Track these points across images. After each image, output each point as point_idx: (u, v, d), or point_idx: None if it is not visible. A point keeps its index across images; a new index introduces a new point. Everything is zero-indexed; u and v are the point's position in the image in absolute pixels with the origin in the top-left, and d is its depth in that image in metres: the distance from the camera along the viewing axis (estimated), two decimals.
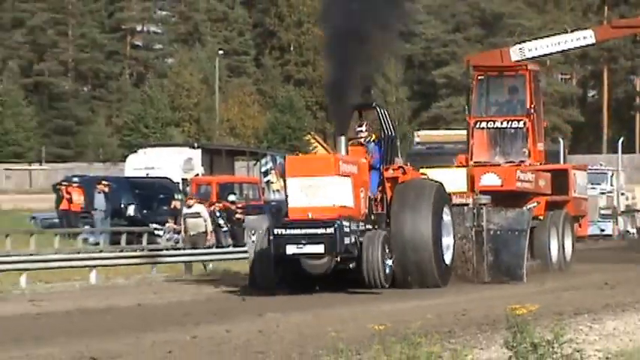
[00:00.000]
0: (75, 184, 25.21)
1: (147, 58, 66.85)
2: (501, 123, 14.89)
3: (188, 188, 25.05)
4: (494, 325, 6.87)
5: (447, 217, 12.21)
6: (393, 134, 12.78)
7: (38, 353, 6.91)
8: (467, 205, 12.69)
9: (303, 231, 11.04)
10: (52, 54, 62.19)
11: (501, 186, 13.49)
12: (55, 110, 61.47)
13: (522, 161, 14.62)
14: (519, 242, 12.22)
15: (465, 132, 14.48)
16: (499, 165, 14.42)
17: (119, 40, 66.05)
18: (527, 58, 15.41)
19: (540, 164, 15.02)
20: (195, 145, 32.02)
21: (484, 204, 12.73)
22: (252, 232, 12.32)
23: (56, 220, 25.02)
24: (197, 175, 27.59)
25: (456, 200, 12.70)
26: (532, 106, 14.72)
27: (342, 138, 12.01)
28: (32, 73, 62.51)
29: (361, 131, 12.57)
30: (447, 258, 12.17)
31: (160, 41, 65.21)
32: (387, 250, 11.31)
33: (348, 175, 11.46)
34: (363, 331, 6.04)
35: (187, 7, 66.34)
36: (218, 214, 21.07)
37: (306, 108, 58.37)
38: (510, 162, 14.56)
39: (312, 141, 53.97)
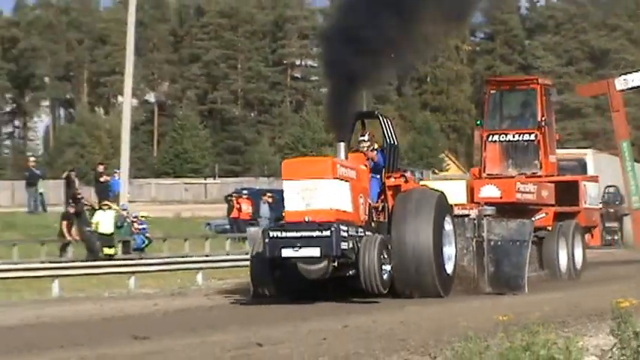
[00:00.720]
0: (244, 196, 28.30)
1: (305, 88, 73.80)
2: (513, 136, 14.73)
3: None
4: (602, 317, 7.11)
5: (448, 226, 11.75)
6: (396, 143, 12.30)
7: (212, 340, 7.40)
8: (468, 215, 12.34)
9: (299, 234, 10.44)
10: (224, 84, 70.00)
11: (500, 198, 13.19)
12: (227, 132, 68.90)
13: (534, 173, 14.52)
14: (521, 253, 11.81)
15: (576, 150, 15.24)
16: (512, 177, 14.30)
17: (281, 73, 73.25)
18: (630, 88, 18.17)
19: (552, 175, 14.87)
20: None
21: (488, 215, 12.36)
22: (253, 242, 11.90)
23: (227, 227, 27.73)
24: None
25: (458, 211, 12.36)
26: (543, 119, 14.47)
27: (342, 144, 11.65)
28: (207, 101, 70.42)
29: (364, 140, 12.14)
30: (449, 268, 11.67)
31: (316, 74, 70.73)
32: (385, 256, 10.71)
33: (347, 180, 10.95)
34: (489, 321, 6.24)
35: None
36: None
37: (441, 130, 66.78)
38: (522, 174, 14.40)
39: (446, 159, 62.61)
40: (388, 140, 12.03)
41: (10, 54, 67.01)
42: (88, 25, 69.60)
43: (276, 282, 11.09)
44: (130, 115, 27.77)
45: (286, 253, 10.40)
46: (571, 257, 14.37)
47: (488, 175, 14.53)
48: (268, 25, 72.59)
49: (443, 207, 11.69)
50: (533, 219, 12.49)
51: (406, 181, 12.01)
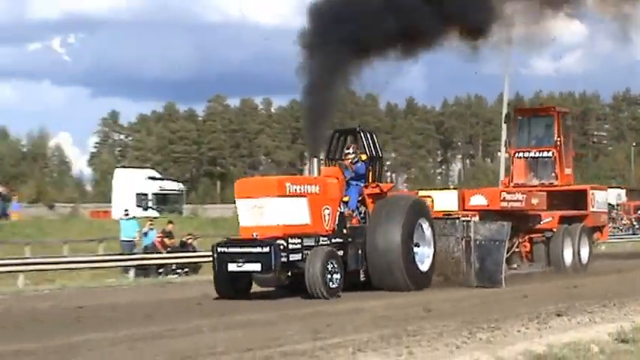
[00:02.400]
0: None
1: None
2: (535, 153, 18.05)
3: None
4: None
5: (425, 229, 12.88)
6: (379, 155, 13.45)
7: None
8: (458, 219, 13.67)
9: (242, 249, 11.37)
10: None
11: (487, 206, 14.60)
12: None
13: (551, 183, 17.51)
14: (499, 251, 13.08)
15: None
16: (534, 186, 17.30)
17: None
18: None
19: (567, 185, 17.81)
20: None
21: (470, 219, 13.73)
22: None
23: None
24: None
25: (453, 215, 13.94)
26: (558, 139, 17.52)
27: (315, 160, 13.17)
28: None
29: (349, 153, 13.15)
30: (423, 266, 12.77)
31: None
32: (334, 265, 11.45)
33: (304, 196, 11.87)
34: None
35: None
36: None
37: None
38: (542, 184, 17.46)
39: None
40: (368, 153, 13.16)
41: None
42: None
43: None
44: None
45: (231, 267, 11.35)
46: (577, 254, 16.56)
47: (515, 184, 17.63)
48: None
49: (416, 212, 12.84)
50: (509, 223, 13.60)
51: (381, 191, 13.14)
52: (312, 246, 11.66)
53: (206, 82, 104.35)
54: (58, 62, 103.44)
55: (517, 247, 15.88)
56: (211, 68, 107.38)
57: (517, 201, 15.27)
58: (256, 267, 11.18)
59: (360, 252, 12.35)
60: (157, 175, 47.26)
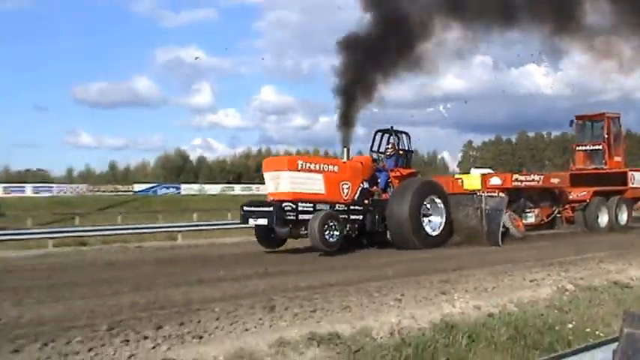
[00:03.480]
0: None
1: None
2: (590, 147, 23.75)
3: None
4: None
5: (435, 203, 16.17)
6: (406, 149, 17.36)
7: None
8: (474, 193, 16.93)
9: (256, 209, 14.61)
10: None
11: (502, 185, 17.92)
12: None
13: (602, 168, 23.01)
14: (499, 217, 16.41)
15: None
16: (590, 169, 23.05)
17: None
18: None
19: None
20: None
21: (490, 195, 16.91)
22: None
23: None
24: None
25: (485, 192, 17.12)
26: (607, 136, 23.10)
27: (345, 149, 16.35)
28: None
29: (388, 148, 17.20)
30: (431, 230, 15.96)
31: None
32: (331, 224, 14.26)
33: (320, 172, 15.00)
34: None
35: None
36: None
37: None
38: (594, 168, 23.09)
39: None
40: (397, 147, 17.24)
41: None
42: None
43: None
44: None
45: (250, 222, 14.61)
46: (614, 218, 21.13)
47: (577, 169, 23.50)
48: None
49: (425, 190, 16.14)
50: (506, 196, 17.10)
51: (401, 175, 16.86)
52: (327, 210, 14.64)
53: None
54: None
55: (558, 213, 20.74)
56: None
57: (533, 181, 19.26)
58: (264, 222, 14.29)
59: (377, 218, 15.76)
60: None
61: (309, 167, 14.99)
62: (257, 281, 10.09)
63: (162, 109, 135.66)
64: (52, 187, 68.44)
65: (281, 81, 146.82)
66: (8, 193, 57.82)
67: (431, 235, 15.94)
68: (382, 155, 17.28)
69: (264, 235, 15.14)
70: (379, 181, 16.71)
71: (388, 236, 15.86)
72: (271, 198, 14.87)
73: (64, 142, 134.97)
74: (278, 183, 14.76)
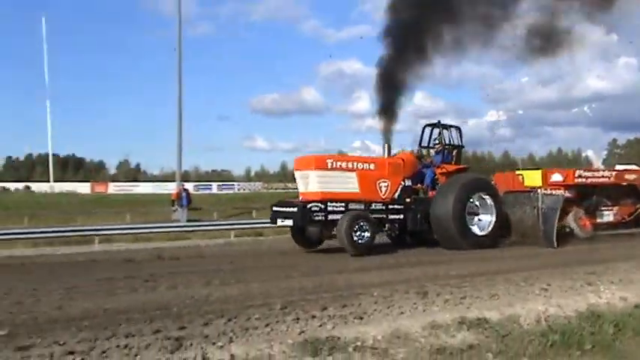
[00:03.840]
0: None
1: None
2: None
3: None
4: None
5: (483, 200, 15.26)
6: (455, 144, 16.41)
7: None
8: (531, 191, 15.98)
9: (283, 209, 14.14)
10: None
11: (563, 182, 16.96)
12: None
13: None
14: (553, 217, 15.11)
15: None
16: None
17: None
18: None
19: None
20: None
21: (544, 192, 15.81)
22: None
23: None
24: None
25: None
26: None
27: (386, 145, 15.72)
28: None
29: (436, 143, 16.33)
30: (478, 230, 15.10)
31: None
32: (362, 224, 13.60)
33: (352, 170, 14.35)
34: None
35: None
36: None
37: None
38: None
39: None
40: (443, 143, 16.26)
41: None
42: None
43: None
44: None
45: (278, 222, 14.17)
46: None
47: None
48: None
49: (472, 186, 15.29)
50: (563, 194, 16.18)
51: (447, 171, 15.92)
52: (360, 209, 14.06)
53: None
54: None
55: None
56: None
57: (602, 177, 18.08)
58: (290, 222, 13.91)
59: (419, 217, 14.94)
60: None
61: (341, 166, 14.33)
62: (411, 269, 10.76)
63: (326, 116, 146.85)
64: (233, 185, 76.17)
65: (431, 87, 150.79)
66: (197, 191, 63.26)
67: (478, 235, 15.03)
68: (430, 151, 16.63)
69: (299, 235, 14.84)
70: (425, 178, 15.91)
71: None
72: (301, 198, 14.44)
73: (243, 146, 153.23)
74: (307, 183, 14.28)
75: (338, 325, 6.65)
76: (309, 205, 13.66)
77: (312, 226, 14.20)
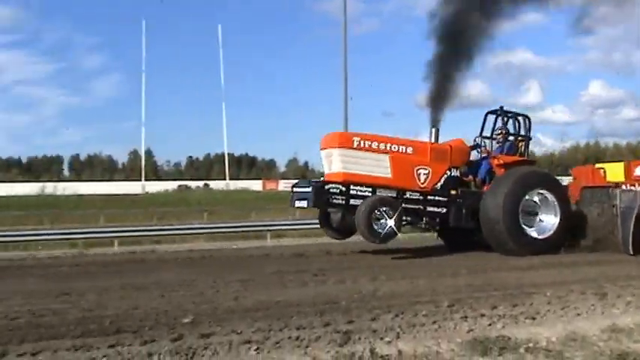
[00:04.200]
0: None
1: None
2: None
3: None
4: None
5: (547, 198, 13.34)
6: (521, 135, 14.51)
7: None
8: (610, 187, 13.88)
9: (299, 189, 13.03)
10: None
11: None
12: None
13: None
14: (629, 218, 12.73)
15: None
16: None
17: None
18: None
19: None
20: None
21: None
22: None
23: None
24: None
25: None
26: None
27: (433, 129, 13.98)
28: None
29: (499, 132, 14.41)
30: (535, 232, 13.17)
31: None
32: (383, 210, 12.05)
33: (385, 152, 12.87)
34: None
35: None
36: None
37: None
38: None
39: None
40: (507, 132, 14.43)
41: None
42: None
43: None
44: None
45: (297, 204, 13.06)
46: None
47: None
48: None
49: (530, 181, 13.40)
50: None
51: (504, 163, 13.95)
52: (394, 197, 12.58)
53: None
54: None
55: None
56: None
57: None
58: (304, 204, 12.75)
59: (464, 212, 13.25)
60: None
61: (370, 146, 12.82)
62: (587, 269, 10.16)
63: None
64: None
65: (609, 75, 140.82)
66: None
67: (534, 238, 13.10)
68: (488, 140, 14.43)
69: (325, 221, 13.70)
70: (480, 170, 14.07)
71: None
72: (321, 178, 13.28)
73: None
74: (331, 162, 12.98)
75: (508, 324, 6.47)
76: (327, 186, 12.44)
77: (331, 209, 13.18)
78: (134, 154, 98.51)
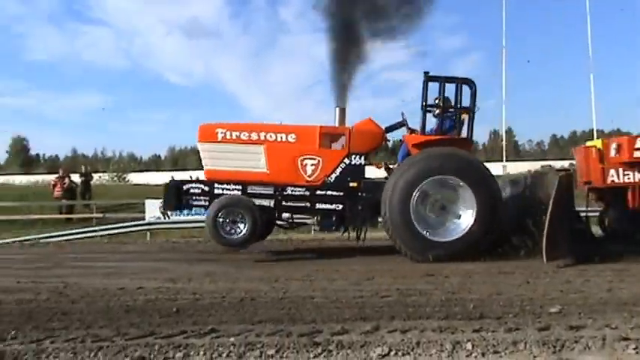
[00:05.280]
0: None
1: None
2: None
3: None
4: None
5: (457, 189, 10.46)
6: (461, 106, 11.16)
7: None
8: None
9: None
10: None
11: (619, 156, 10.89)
12: None
13: None
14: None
15: None
16: None
17: None
18: None
19: None
20: None
21: None
22: None
23: None
24: None
25: None
26: None
27: (338, 109, 11.92)
28: None
29: (435, 104, 11.47)
30: (444, 233, 10.45)
31: None
32: (233, 213, 10.85)
33: (259, 143, 11.38)
34: None
35: None
36: None
37: None
38: None
39: None
40: (441, 103, 11.46)
41: None
42: None
43: None
44: None
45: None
46: None
47: None
48: None
49: (429, 167, 10.58)
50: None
51: (415, 143, 11.30)
52: (269, 194, 11.25)
53: None
54: None
55: None
56: None
57: None
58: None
59: (360, 208, 11.11)
60: None
61: (238, 137, 11.36)
62: None
63: None
64: None
65: None
66: None
67: (429, 240, 10.31)
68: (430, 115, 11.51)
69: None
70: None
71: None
72: (195, 176, 12.17)
73: None
74: (203, 158, 11.60)
75: None
76: (186, 186, 11.39)
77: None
78: (494, 134, 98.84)
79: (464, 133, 11.39)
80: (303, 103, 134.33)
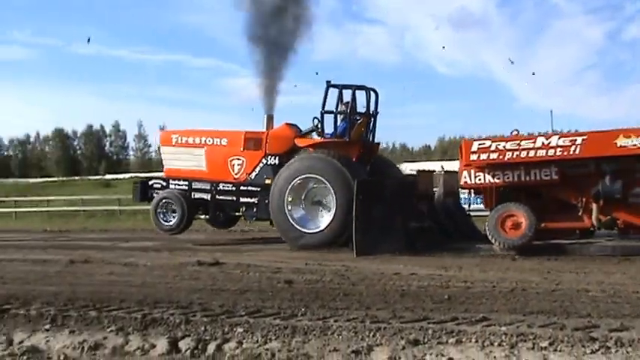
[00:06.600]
0: None
1: None
2: None
3: None
4: None
5: (322, 189, 12.08)
6: (360, 112, 12.85)
7: None
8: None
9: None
10: None
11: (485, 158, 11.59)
12: None
13: None
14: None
15: None
16: None
17: None
18: None
19: None
20: None
21: None
22: None
23: None
24: None
25: None
26: None
27: (266, 117, 13.77)
28: None
29: (337, 110, 13.00)
30: (303, 225, 12.11)
31: None
32: (166, 204, 13.41)
33: (201, 146, 13.54)
34: None
35: None
36: None
37: None
38: None
39: None
40: (344, 109, 12.66)
41: None
42: None
43: None
44: None
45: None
46: None
47: None
48: None
49: (297, 167, 12.17)
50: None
51: (301, 146, 12.83)
52: (207, 190, 13.33)
53: None
54: None
55: None
56: None
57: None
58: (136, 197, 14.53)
59: (266, 202, 12.55)
60: None
61: (187, 141, 13.70)
62: None
63: None
64: None
65: None
66: None
67: (298, 230, 12.01)
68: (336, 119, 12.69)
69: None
70: None
71: None
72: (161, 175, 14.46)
73: None
74: (163, 159, 14.23)
75: None
76: (151, 182, 14.02)
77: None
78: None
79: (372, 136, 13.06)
80: (573, 89, 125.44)
